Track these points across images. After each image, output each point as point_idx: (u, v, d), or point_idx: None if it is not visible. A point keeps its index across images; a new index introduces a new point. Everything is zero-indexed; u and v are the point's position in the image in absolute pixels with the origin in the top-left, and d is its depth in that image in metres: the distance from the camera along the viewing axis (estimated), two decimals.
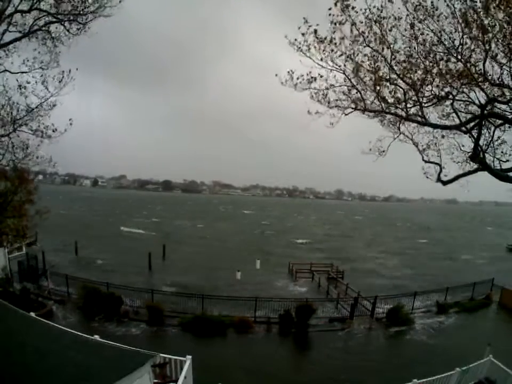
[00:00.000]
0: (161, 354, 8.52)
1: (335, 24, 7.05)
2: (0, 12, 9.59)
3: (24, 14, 10.28)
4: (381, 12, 6.99)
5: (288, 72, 7.63)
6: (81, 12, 10.52)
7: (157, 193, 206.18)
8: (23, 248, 22.73)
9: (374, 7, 6.92)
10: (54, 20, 10.61)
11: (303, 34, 7.17)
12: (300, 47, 7.33)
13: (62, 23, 10.67)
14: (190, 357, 8.84)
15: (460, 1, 6.60)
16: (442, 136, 8.93)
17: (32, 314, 8.02)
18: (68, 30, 10.79)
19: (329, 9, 6.85)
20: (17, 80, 10.78)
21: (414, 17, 7.02)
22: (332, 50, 7.39)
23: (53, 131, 11.37)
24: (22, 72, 10.75)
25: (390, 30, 7.19)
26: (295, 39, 7.28)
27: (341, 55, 7.50)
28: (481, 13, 6.41)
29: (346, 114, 8.18)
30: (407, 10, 6.98)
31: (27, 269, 19.15)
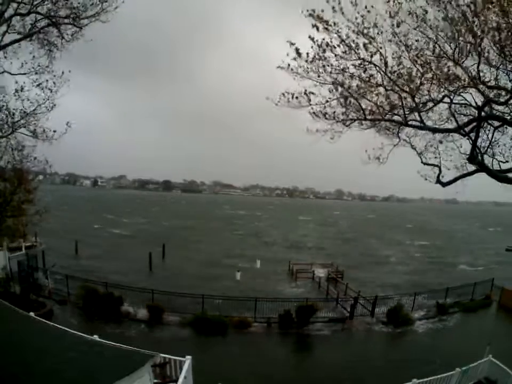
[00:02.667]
0: (161, 354, 8.53)
1: (320, 46, 7.06)
2: None
3: (22, 17, 10.34)
4: (364, 23, 6.95)
5: (284, 94, 7.54)
6: (79, 16, 10.58)
7: (157, 193, 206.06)
8: (23, 248, 22.74)
9: (356, 18, 6.87)
10: (51, 23, 10.67)
11: (294, 58, 7.20)
12: (295, 72, 7.35)
13: (59, 27, 10.73)
14: (189, 357, 8.86)
15: (451, 8, 6.62)
16: (440, 142, 8.96)
17: (32, 314, 8.04)
18: (62, 37, 10.86)
19: (312, 38, 6.88)
20: (16, 82, 10.85)
21: (398, 25, 6.99)
22: (325, 66, 7.38)
23: (53, 132, 11.43)
24: (21, 74, 10.81)
25: (376, 38, 7.13)
26: (288, 64, 7.29)
27: (335, 69, 7.49)
28: (473, 19, 6.43)
29: (346, 126, 8.14)
30: (391, 18, 6.93)
31: (27, 268, 19.17)
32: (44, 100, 11.22)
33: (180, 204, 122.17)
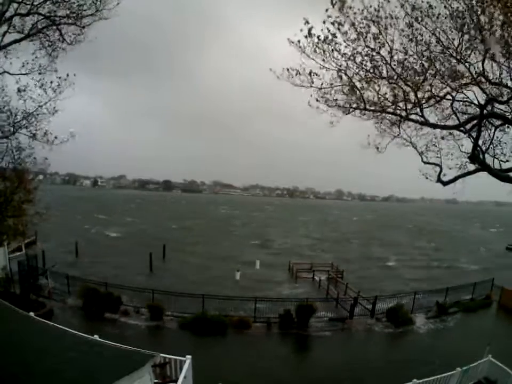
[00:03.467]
0: (161, 354, 8.52)
1: (333, 24, 7.05)
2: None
3: (23, 17, 10.32)
4: (379, 12, 6.99)
5: (288, 69, 7.54)
6: (79, 15, 10.55)
7: (157, 193, 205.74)
8: (23, 248, 22.73)
9: (371, 6, 6.92)
10: (52, 23, 10.65)
11: (305, 37, 7.19)
12: (303, 50, 7.33)
13: (59, 27, 10.70)
14: (189, 356, 8.85)
15: (457, 1, 6.63)
16: (442, 138, 8.95)
17: (32, 314, 8.02)
18: (63, 38, 10.83)
19: (327, 10, 6.86)
20: (17, 82, 10.83)
21: (411, 17, 7.03)
22: (333, 51, 7.39)
23: (55, 138, 11.44)
24: (21, 74, 10.78)
25: (387, 29, 7.18)
26: (298, 41, 7.27)
27: (342, 55, 7.50)
28: (479, 12, 6.43)
29: (346, 114, 8.16)
30: (405, 10, 6.98)
31: (27, 269, 19.15)
32: (45, 101, 11.19)
33: (180, 204, 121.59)
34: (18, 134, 11.83)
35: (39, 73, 10.86)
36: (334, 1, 6.78)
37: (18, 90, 10.88)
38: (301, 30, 7.08)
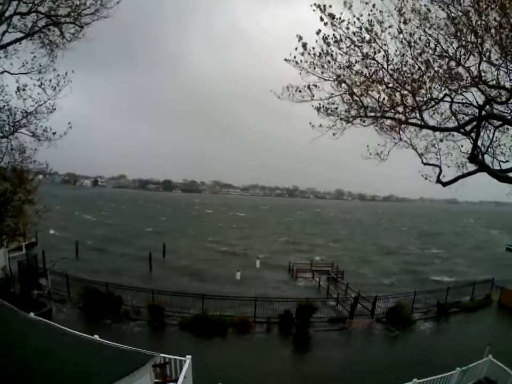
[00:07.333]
0: (161, 354, 8.51)
1: (326, 40, 7.07)
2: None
3: (23, 16, 10.32)
4: (371, 21, 6.98)
5: (287, 87, 7.56)
6: (79, 14, 10.55)
7: (158, 193, 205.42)
8: (23, 248, 22.74)
9: (361, 15, 6.89)
10: (52, 22, 10.65)
11: (302, 54, 7.23)
12: (301, 67, 7.35)
13: (60, 26, 10.71)
14: (190, 356, 8.84)
15: (452, 6, 6.64)
16: (441, 140, 8.95)
17: (32, 314, 8.02)
18: (63, 36, 10.84)
19: (320, 30, 6.89)
20: (16, 81, 10.83)
21: (405, 22, 7.02)
22: (329, 62, 7.39)
23: (53, 134, 11.42)
24: (21, 74, 10.78)
25: (381, 35, 7.17)
26: (294, 57, 7.30)
27: (339, 66, 7.50)
28: (474, 16, 6.44)
29: (348, 122, 8.15)
30: (400, 16, 6.97)
31: (27, 269, 19.16)
32: (45, 99, 11.19)
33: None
34: (18, 134, 11.85)
35: (39, 72, 10.87)
36: (325, 21, 6.78)
37: (18, 89, 10.89)
38: (296, 49, 7.12)
